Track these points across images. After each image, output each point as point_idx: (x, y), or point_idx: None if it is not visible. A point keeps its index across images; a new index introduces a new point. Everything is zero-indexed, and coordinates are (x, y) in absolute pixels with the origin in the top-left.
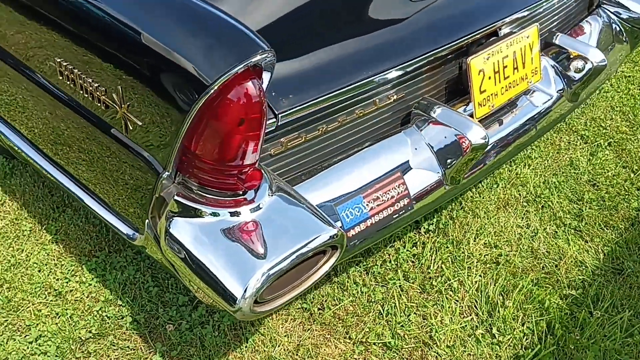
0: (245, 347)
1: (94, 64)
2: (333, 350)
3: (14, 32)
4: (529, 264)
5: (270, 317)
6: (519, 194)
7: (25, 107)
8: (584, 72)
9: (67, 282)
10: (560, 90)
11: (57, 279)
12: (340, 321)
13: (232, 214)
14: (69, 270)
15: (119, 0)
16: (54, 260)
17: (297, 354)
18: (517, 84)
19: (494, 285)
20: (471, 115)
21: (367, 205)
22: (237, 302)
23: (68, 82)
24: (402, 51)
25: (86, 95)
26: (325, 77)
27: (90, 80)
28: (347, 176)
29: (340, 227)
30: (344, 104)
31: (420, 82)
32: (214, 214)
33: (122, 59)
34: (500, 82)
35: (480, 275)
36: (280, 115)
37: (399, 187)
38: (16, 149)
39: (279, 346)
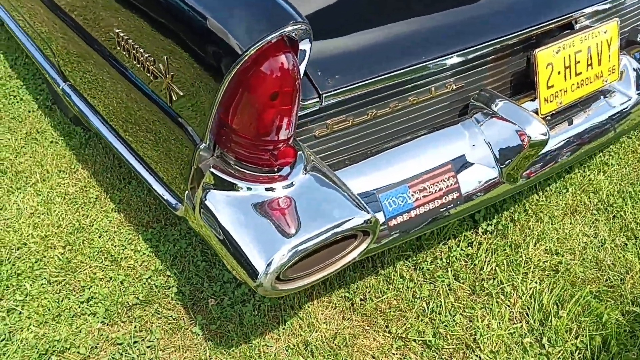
0: (283, 329)
1: (144, 34)
2: (371, 342)
3: (87, 7)
4: (591, 275)
5: (311, 303)
6: (590, 201)
7: (92, 77)
8: None
9: (123, 250)
10: None
11: (115, 246)
12: (382, 314)
13: (266, 190)
14: (126, 238)
15: None
16: (114, 227)
17: (333, 342)
18: (591, 82)
19: (550, 293)
20: (536, 112)
21: (412, 195)
22: (258, 276)
23: (124, 53)
24: (465, 36)
25: (138, 66)
26: (376, 58)
27: (142, 50)
28: (393, 164)
29: (380, 216)
30: (397, 90)
31: (482, 72)
32: (248, 189)
33: (167, 29)
34: (571, 78)
35: (536, 282)
36: (324, 96)
37: (448, 180)
38: (81, 114)
39: (316, 332)
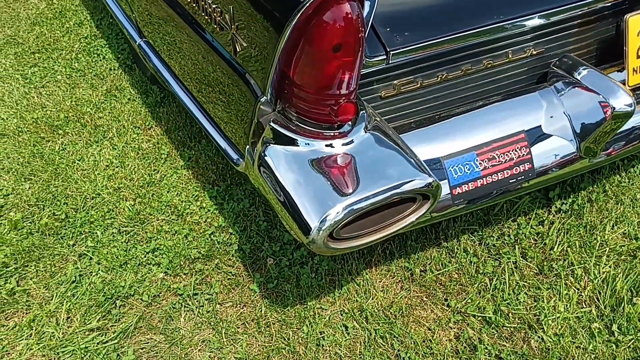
0: (339, 293)
1: None
2: (428, 314)
3: None
4: None
5: (370, 270)
6: None
7: (165, 33)
8: None
9: (189, 205)
10: None
11: (182, 201)
12: (442, 287)
13: (325, 146)
14: (193, 194)
15: None
16: (182, 184)
17: (389, 311)
18: None
19: (625, 279)
20: (623, 83)
21: (479, 163)
22: (311, 232)
23: (194, 5)
24: None
25: (207, 18)
26: (450, 16)
27: (210, 1)
28: (462, 130)
29: (445, 183)
30: (470, 52)
31: (565, 38)
32: (307, 144)
33: None
34: None
35: (610, 266)
36: (392, 53)
37: (520, 150)
38: (155, 69)
39: (372, 299)
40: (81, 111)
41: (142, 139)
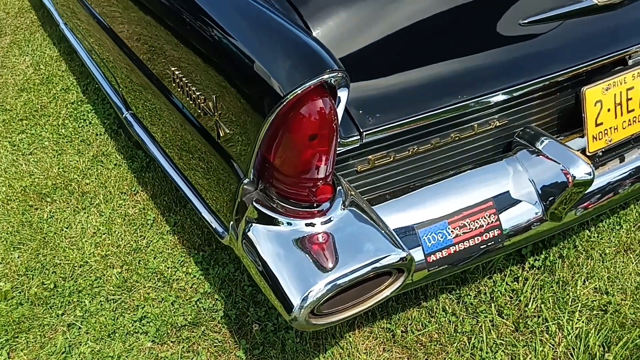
0: (324, 357)
1: (197, 74)
2: None
3: (148, 44)
4: None
5: (353, 332)
6: None
7: (151, 108)
8: None
9: (175, 272)
10: None
11: (168, 267)
12: (422, 347)
13: (306, 225)
14: (179, 260)
15: (218, 18)
16: (169, 249)
17: None
18: None
19: (597, 334)
20: (584, 149)
21: (451, 231)
22: (294, 310)
23: (179, 89)
24: (508, 74)
25: (191, 102)
26: (417, 97)
27: (194, 88)
28: (434, 200)
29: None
30: (438, 127)
31: (527, 110)
32: (288, 224)
33: (217, 71)
34: (622, 115)
35: (583, 322)
36: (364, 134)
37: (489, 217)
38: (141, 141)
39: None
40: (68, 178)
41: (129, 204)
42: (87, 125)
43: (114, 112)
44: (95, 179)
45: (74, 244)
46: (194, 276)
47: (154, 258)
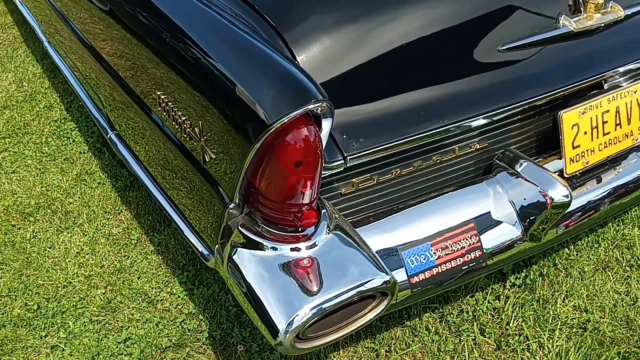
0: None
1: (183, 99)
2: None
3: (133, 68)
4: (621, 335)
5: (337, 352)
6: (622, 257)
7: (136, 131)
8: None
9: (159, 292)
10: None
11: (152, 288)
12: None
13: (291, 250)
14: (163, 280)
15: (206, 45)
16: (153, 269)
17: None
18: (620, 141)
19: (577, 352)
20: (562, 171)
21: (434, 253)
22: (279, 334)
23: (165, 113)
24: (488, 99)
25: (176, 126)
26: (400, 121)
27: (180, 113)
28: (417, 222)
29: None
30: (420, 150)
31: (507, 132)
32: (274, 249)
33: (204, 98)
34: (598, 138)
35: (563, 340)
36: (349, 158)
37: (471, 239)
38: (127, 162)
39: None
40: (51, 197)
41: (112, 224)
42: (70, 143)
43: (98, 130)
44: (79, 198)
45: (58, 264)
46: (179, 296)
47: (138, 278)
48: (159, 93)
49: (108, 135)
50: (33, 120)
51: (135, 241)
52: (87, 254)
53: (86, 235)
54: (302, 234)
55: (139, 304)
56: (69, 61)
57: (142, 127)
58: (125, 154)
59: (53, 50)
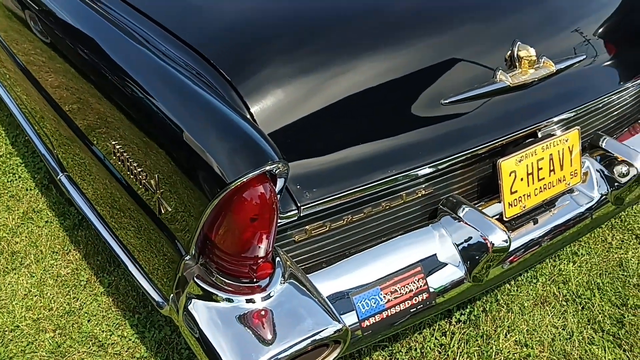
0: None
1: (139, 151)
2: None
3: (87, 116)
4: None
5: None
6: (559, 292)
7: (89, 176)
8: (628, 177)
9: (110, 335)
10: (603, 193)
11: (103, 331)
12: None
13: (245, 302)
14: (114, 323)
15: (164, 103)
16: (103, 312)
17: None
18: (554, 186)
19: None
20: (501, 215)
21: (384, 297)
22: None
23: (119, 163)
24: (432, 150)
25: (132, 177)
26: (351, 172)
27: (135, 164)
28: (367, 265)
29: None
30: (370, 197)
31: (450, 179)
32: (229, 300)
33: (161, 152)
34: (533, 183)
35: None
36: (302, 208)
37: (418, 282)
38: (77, 205)
39: None
40: None
41: (61, 264)
42: (16, 180)
43: (45, 166)
44: (26, 237)
45: (4, 306)
46: (130, 340)
47: (88, 321)
48: (114, 143)
49: (58, 177)
50: None
51: (85, 282)
52: (35, 296)
53: (34, 276)
54: (257, 284)
55: (89, 348)
56: (13, 94)
57: (96, 174)
58: (74, 196)
59: None
